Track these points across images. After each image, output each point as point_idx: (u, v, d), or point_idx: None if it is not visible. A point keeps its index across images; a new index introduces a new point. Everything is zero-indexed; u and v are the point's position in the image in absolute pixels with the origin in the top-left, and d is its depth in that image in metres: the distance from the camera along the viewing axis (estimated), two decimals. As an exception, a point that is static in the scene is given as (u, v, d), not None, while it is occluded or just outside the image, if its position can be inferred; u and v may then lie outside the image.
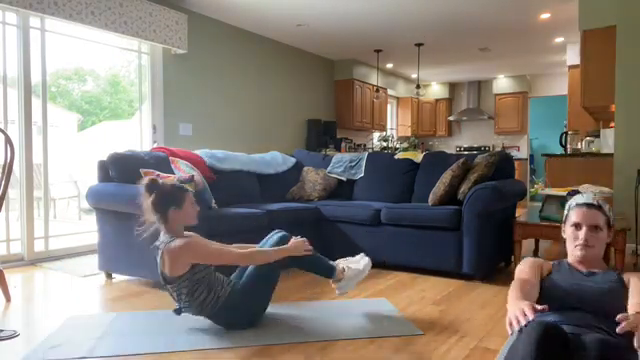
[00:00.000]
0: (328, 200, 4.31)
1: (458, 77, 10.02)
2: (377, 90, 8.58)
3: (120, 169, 3.42)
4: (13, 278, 3.52)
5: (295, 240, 2.55)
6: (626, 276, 1.81)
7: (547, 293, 1.80)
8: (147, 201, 2.36)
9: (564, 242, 1.95)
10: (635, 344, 1.41)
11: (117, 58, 10.02)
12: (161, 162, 3.62)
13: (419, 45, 7.15)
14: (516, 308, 1.53)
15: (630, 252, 4.03)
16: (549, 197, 3.85)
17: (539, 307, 1.53)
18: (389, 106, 9.95)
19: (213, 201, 3.61)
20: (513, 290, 1.74)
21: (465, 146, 10.38)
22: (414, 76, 9.56)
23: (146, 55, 5.11)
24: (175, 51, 5.17)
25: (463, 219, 3.43)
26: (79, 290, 3.24)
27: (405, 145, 9.45)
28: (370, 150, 8.80)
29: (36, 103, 4.12)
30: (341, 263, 2.70)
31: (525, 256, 2.65)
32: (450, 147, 10.50)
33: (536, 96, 9.79)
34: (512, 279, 3.43)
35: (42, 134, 4.18)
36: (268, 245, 2.53)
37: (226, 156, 4.24)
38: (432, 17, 5.84)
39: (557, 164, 4.95)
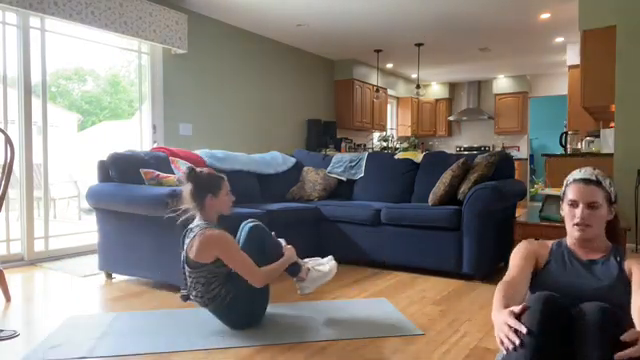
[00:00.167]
0: (328, 200, 4.31)
1: (458, 77, 10.02)
2: (377, 90, 8.58)
3: (120, 169, 3.42)
4: (13, 278, 3.52)
5: (288, 247, 2.57)
6: (627, 264, 1.72)
7: (542, 288, 1.68)
8: (186, 188, 2.40)
9: (563, 221, 1.85)
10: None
11: (117, 58, 10.02)
12: (161, 162, 3.62)
13: (419, 45, 7.15)
14: (501, 323, 1.51)
15: (630, 252, 4.03)
16: (549, 197, 3.85)
17: (517, 310, 1.50)
18: (389, 106, 9.95)
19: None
20: (497, 294, 1.67)
21: (465, 146, 10.38)
22: (414, 76, 9.56)
23: (146, 55, 5.11)
24: (175, 51, 5.17)
25: (463, 219, 3.43)
26: (79, 290, 3.24)
27: (405, 145, 9.45)
28: (370, 150, 8.80)
29: (36, 103, 4.12)
30: (309, 263, 2.68)
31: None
32: (450, 147, 10.50)
33: (536, 96, 9.79)
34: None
35: (42, 134, 4.18)
36: (243, 238, 2.52)
37: (226, 156, 4.24)
38: (432, 17, 5.84)
39: (557, 164, 4.95)
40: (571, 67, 6.64)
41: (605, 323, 1.48)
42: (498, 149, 9.84)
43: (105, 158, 3.49)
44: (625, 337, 1.39)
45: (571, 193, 1.77)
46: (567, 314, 1.53)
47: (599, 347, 1.45)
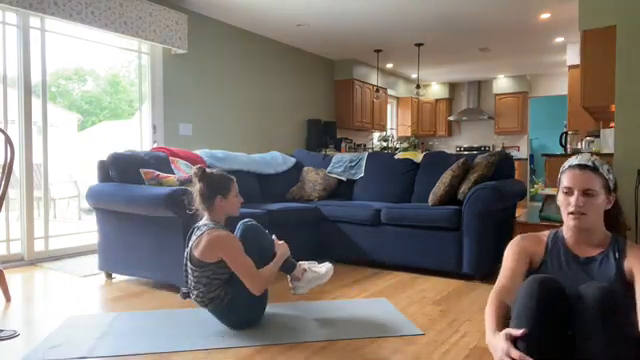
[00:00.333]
0: (328, 200, 4.31)
1: (458, 77, 10.02)
2: (377, 90, 8.58)
3: (120, 169, 3.42)
4: (13, 278, 3.52)
5: (280, 243, 2.57)
6: (628, 263, 1.62)
7: None
8: (195, 188, 2.42)
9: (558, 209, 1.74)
10: None
11: (117, 58, 10.02)
12: (161, 162, 3.62)
13: (419, 45, 7.15)
14: (499, 349, 1.45)
15: (630, 244, 4.03)
16: (549, 197, 3.85)
17: (516, 333, 1.44)
18: (389, 106, 9.95)
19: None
20: (488, 311, 1.61)
21: (465, 146, 10.38)
22: (414, 76, 9.56)
23: (146, 55, 5.11)
24: (175, 51, 5.16)
25: (463, 219, 3.43)
26: (79, 290, 3.24)
27: (405, 145, 9.45)
28: (370, 150, 8.80)
29: (36, 103, 4.12)
30: (304, 264, 2.68)
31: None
32: (450, 147, 10.50)
33: (536, 96, 9.79)
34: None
35: (42, 134, 4.18)
36: (239, 239, 2.47)
37: (226, 156, 4.24)
38: (432, 17, 5.84)
39: (557, 164, 4.93)
40: (571, 67, 6.64)
41: (605, 304, 1.43)
42: (498, 149, 9.84)
43: (105, 158, 3.49)
44: None
45: (566, 180, 1.68)
46: (565, 298, 1.50)
47: (601, 329, 1.41)
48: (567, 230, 1.74)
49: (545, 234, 1.83)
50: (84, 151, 9.32)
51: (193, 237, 2.38)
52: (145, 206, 3.06)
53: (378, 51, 7.55)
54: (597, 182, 1.64)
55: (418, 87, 8.12)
